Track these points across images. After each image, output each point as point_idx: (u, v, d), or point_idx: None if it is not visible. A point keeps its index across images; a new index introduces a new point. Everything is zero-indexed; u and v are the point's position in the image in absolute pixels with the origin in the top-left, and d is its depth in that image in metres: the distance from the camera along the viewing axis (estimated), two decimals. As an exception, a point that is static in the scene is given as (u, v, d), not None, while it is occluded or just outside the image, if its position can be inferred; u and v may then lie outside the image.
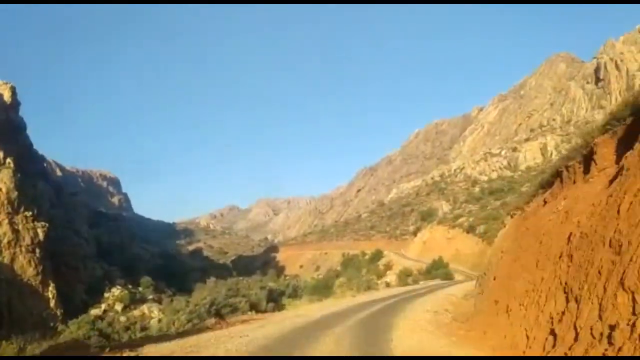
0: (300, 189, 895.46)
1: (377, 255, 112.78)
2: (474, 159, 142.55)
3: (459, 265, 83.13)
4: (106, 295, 63.45)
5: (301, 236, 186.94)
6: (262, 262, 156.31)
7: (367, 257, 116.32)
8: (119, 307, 60.71)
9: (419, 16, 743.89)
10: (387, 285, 57.79)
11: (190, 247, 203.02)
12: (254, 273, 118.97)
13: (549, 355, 7.89)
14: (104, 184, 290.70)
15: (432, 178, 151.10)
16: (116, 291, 63.68)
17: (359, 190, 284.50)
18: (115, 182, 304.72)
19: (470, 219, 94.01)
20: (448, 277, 64.82)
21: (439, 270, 69.09)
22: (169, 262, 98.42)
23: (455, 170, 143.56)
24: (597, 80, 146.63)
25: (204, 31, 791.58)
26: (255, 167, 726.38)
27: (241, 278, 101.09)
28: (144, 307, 61.67)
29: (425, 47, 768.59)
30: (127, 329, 53.01)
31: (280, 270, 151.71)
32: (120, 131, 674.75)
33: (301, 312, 19.98)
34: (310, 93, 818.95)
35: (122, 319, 55.98)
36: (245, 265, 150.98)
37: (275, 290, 63.82)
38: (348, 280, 77.53)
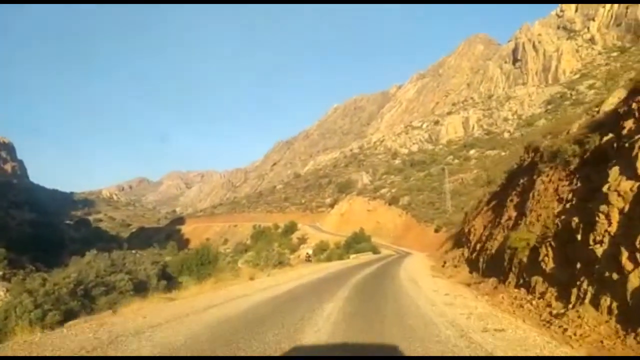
0: (216, 163, 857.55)
1: (291, 227, 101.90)
2: (394, 131, 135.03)
3: (380, 238, 73.90)
4: None
5: (210, 208, 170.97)
6: (166, 235, 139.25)
7: (280, 230, 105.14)
8: (-58, 286, 43.61)
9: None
10: (308, 258, 45.78)
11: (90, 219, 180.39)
12: (151, 246, 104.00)
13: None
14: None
15: (350, 150, 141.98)
16: (-58, 265, 46.12)
17: (274, 164, 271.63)
18: (9, 148, 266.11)
19: (393, 190, 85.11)
20: (375, 251, 54.42)
21: (361, 244, 58.57)
22: (42, 232, 79.84)
23: (375, 142, 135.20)
24: (515, 60, 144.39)
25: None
26: (168, 140, 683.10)
27: (134, 251, 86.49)
28: (-20, 287, 45.18)
29: (347, 24, 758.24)
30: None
31: (184, 244, 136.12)
32: (17, 94, 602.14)
33: (105, 333, 7.05)
34: (229, 66, 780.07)
35: (-59, 303, 39.49)
36: (147, 238, 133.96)
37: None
38: (257, 253, 65.42)
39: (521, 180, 13.26)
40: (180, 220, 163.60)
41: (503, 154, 75.57)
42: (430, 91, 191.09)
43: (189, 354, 6.15)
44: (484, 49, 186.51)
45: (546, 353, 5.79)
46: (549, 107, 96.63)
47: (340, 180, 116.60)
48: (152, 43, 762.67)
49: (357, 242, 61.89)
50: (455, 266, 17.37)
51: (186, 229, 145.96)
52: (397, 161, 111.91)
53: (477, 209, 23.62)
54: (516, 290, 9.64)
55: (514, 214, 12.66)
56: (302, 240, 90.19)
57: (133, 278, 36.95)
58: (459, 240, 25.76)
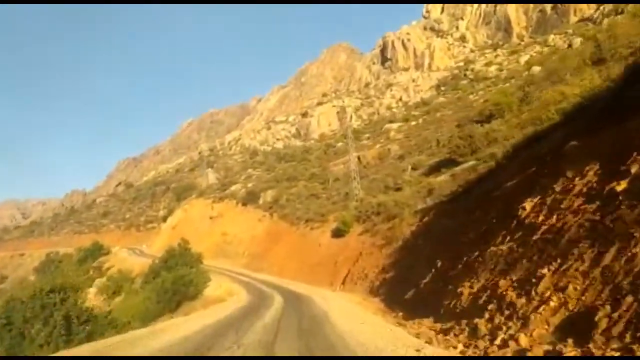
0: (60, 188, 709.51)
1: (95, 252, 61.78)
2: (254, 128, 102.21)
3: (228, 260, 39.26)
4: None
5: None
6: None
7: (80, 257, 63.99)
8: None
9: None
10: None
11: None
12: None
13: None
14: None
15: (199, 153, 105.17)
16: None
17: (119, 184, 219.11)
18: None
19: (250, 185, 51.18)
20: (191, 289, 19.25)
21: (171, 274, 23.16)
22: None
23: (229, 142, 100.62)
24: (384, 60, 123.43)
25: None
26: None
27: None
28: None
29: (200, 35, 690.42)
30: None
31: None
32: None
33: None
34: (61, 76, 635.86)
35: None
36: None
37: None
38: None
39: None
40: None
41: (413, 123, 47.04)
42: (293, 100, 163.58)
43: None
44: (347, 58, 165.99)
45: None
46: (443, 88, 72.35)
47: (180, 184, 79.21)
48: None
49: (168, 269, 26.47)
50: None
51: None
52: (257, 159, 78.73)
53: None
54: None
55: None
56: (99, 270, 51.30)
57: None
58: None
